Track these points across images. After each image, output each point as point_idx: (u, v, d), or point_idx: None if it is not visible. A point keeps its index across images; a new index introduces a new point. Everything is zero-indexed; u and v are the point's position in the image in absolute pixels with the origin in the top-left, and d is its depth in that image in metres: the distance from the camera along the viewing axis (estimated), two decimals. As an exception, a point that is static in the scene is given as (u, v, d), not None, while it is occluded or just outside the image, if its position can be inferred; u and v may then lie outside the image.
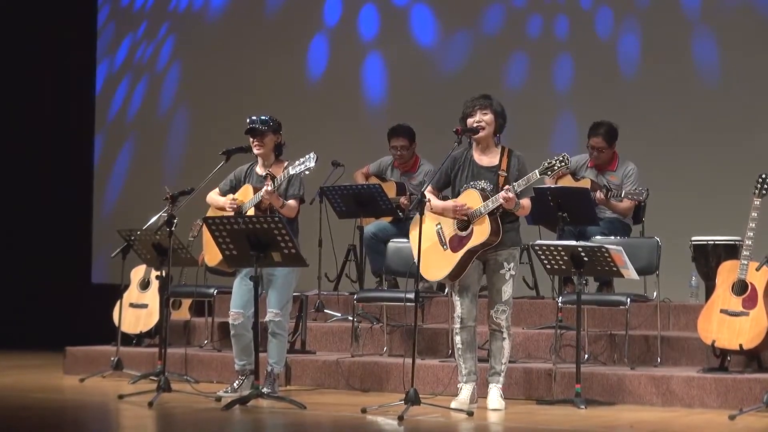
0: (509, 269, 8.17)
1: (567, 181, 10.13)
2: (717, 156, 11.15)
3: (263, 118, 8.80)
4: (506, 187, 7.98)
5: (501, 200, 7.94)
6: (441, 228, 8.21)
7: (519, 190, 7.99)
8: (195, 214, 9.96)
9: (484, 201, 8.04)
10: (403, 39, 12.68)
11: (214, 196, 8.98)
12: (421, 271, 8.16)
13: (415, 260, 8.13)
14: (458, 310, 8.24)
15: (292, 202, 8.72)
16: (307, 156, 8.57)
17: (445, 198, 8.32)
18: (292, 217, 8.72)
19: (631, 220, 10.12)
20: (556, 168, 8.02)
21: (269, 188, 8.55)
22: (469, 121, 8.19)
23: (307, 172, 8.60)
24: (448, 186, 8.34)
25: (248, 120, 8.82)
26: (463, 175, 8.24)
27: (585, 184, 10.01)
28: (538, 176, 8.03)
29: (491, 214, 8.03)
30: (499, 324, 8.19)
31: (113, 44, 14.09)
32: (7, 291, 13.67)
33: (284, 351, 8.91)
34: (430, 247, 8.22)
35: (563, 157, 8.02)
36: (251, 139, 8.81)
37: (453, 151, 8.26)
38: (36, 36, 13.90)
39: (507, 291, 8.18)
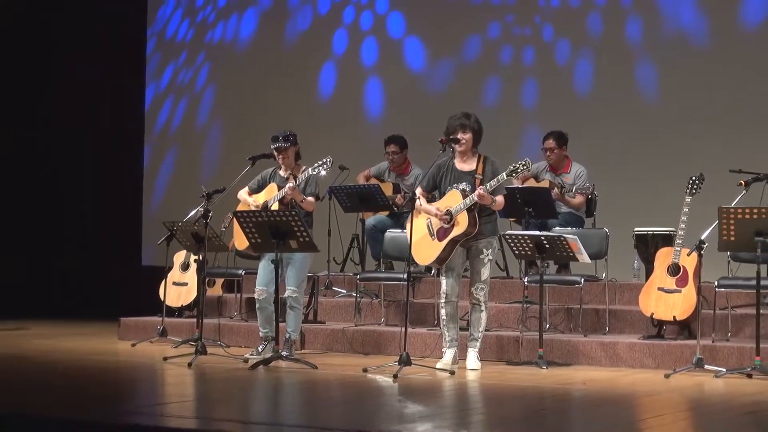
0: (487, 255, 8.19)
1: (530, 183, 10.15)
2: (656, 161, 11.13)
3: (285, 134, 8.78)
4: (479, 187, 8.00)
5: (476, 198, 7.97)
6: (431, 222, 8.23)
7: (491, 189, 8.00)
8: (226, 208, 9.92)
9: (463, 199, 8.07)
10: (398, 65, 12.64)
11: (243, 195, 9.00)
12: (414, 256, 8.21)
13: (410, 248, 8.15)
14: (444, 288, 8.24)
15: (311, 198, 8.74)
16: (324, 160, 8.62)
17: (433, 198, 8.34)
18: (310, 210, 8.73)
19: (584, 213, 10.11)
20: (519, 170, 8.04)
21: (292, 185, 8.57)
22: (452, 136, 8.21)
23: (323, 173, 8.63)
24: (435, 189, 8.36)
25: (272, 138, 8.80)
26: (446, 179, 8.26)
27: (545, 185, 10.01)
28: (506, 177, 8.03)
29: (469, 209, 8.05)
30: (479, 299, 8.21)
31: (159, 70, 14.04)
32: (74, 271, 13.68)
33: (299, 321, 8.92)
34: (422, 238, 8.24)
35: (525, 162, 8.07)
36: (277, 154, 8.81)
37: (438, 158, 8.27)
38: (97, 64, 13.88)
39: (485, 273, 8.20)
